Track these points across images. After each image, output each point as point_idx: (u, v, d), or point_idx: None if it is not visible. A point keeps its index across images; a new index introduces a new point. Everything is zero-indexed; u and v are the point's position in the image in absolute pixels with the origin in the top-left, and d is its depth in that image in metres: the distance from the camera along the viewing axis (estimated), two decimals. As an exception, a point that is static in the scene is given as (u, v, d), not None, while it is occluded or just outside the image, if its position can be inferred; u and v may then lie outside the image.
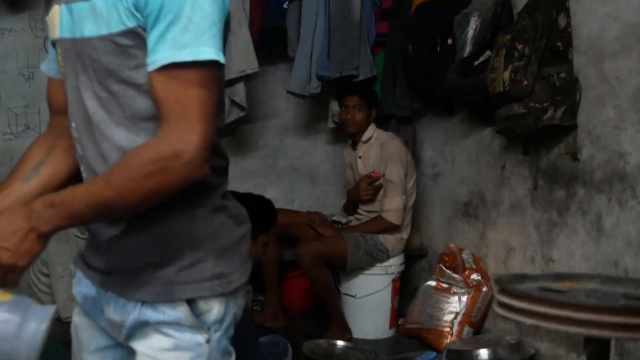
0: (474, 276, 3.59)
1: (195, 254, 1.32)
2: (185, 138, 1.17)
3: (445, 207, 4.15)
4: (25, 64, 4.10)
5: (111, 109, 1.29)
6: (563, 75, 3.01)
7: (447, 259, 3.70)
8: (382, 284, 3.76)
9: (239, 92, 3.71)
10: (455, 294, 3.57)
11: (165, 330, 1.30)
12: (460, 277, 3.57)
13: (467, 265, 3.62)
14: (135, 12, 1.22)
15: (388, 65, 4.01)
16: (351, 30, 3.83)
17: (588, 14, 2.97)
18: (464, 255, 3.65)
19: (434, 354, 3.39)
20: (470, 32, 3.47)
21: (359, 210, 3.91)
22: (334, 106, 4.17)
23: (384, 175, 3.74)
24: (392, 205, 3.68)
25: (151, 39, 1.20)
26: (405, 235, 3.83)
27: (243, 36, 3.61)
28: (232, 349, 1.39)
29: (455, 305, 3.54)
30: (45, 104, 1.58)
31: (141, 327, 1.33)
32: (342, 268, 3.71)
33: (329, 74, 3.83)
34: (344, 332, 3.62)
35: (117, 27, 1.24)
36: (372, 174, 3.76)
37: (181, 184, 1.20)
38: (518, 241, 3.45)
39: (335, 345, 3.27)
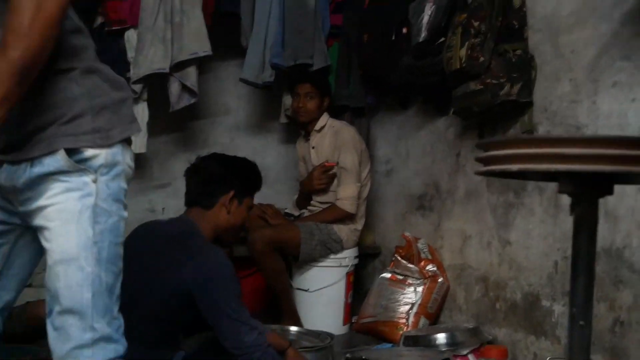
0: (430, 267, 3.50)
1: (73, 111, 1.49)
2: None
3: (399, 202, 4.08)
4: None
5: None
6: (519, 52, 2.99)
7: (401, 250, 3.61)
8: (336, 277, 3.63)
9: (191, 76, 3.59)
10: (410, 285, 3.47)
11: (55, 178, 1.48)
12: (415, 268, 3.47)
13: (422, 255, 3.53)
14: None
15: (342, 57, 3.96)
16: (306, 19, 3.77)
17: (543, -9, 2.98)
18: (420, 245, 3.56)
19: (389, 344, 3.27)
20: (425, 18, 3.44)
21: (312, 202, 3.80)
22: (287, 100, 4.09)
23: (337, 163, 3.65)
24: (346, 193, 3.59)
25: None
26: (359, 226, 3.73)
27: (196, 18, 3.51)
28: (125, 203, 1.57)
29: (410, 296, 3.44)
30: None
31: (33, 186, 1.49)
32: (294, 258, 3.57)
33: (282, 62, 3.75)
34: (296, 324, 3.47)
35: None
36: (326, 163, 3.67)
37: (60, 6, 1.38)
38: (474, 228, 3.38)
39: (288, 330, 3.12)
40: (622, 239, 2.56)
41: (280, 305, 3.53)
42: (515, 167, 0.89)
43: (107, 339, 1.51)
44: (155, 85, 3.73)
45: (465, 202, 3.47)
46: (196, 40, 3.52)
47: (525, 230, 3.04)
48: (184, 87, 3.62)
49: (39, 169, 1.47)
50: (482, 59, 2.96)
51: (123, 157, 1.56)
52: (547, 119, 2.95)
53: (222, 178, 2.34)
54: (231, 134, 4.52)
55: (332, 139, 3.69)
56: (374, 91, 3.99)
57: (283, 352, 2.36)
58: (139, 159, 4.25)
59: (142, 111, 3.62)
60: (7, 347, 1.95)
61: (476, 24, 3.00)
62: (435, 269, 3.50)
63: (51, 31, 1.38)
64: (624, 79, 2.56)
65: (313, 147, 3.78)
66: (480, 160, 0.99)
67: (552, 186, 2.89)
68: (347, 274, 3.70)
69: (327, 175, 3.66)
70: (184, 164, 4.36)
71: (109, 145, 1.52)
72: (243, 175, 2.41)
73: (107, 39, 3.53)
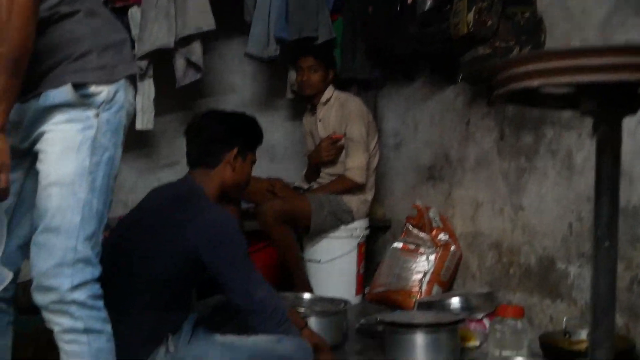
0: (442, 235, 3.48)
1: (80, 50, 1.60)
2: None
3: (408, 175, 4.06)
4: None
5: None
6: (527, 15, 2.97)
7: (413, 220, 3.59)
8: (347, 247, 3.63)
9: (195, 51, 3.57)
10: (422, 254, 3.46)
11: (60, 109, 1.58)
12: (427, 236, 3.46)
13: (434, 224, 3.52)
14: None
15: (347, 31, 3.94)
16: (309, -8, 3.75)
17: (551, -48, 2.94)
18: (431, 214, 3.54)
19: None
20: (431, -14, 3.42)
21: (321, 174, 3.78)
22: (292, 76, 4.06)
23: (345, 135, 3.63)
24: (355, 163, 3.57)
25: None
26: (369, 197, 3.71)
27: (199, -8, 3.50)
28: (123, 140, 1.68)
29: (423, 264, 3.43)
30: None
31: (38, 117, 1.60)
32: (305, 230, 3.56)
33: (287, 36, 3.73)
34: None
35: None
36: (333, 135, 3.65)
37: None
38: (486, 195, 3.37)
39: (302, 297, 3.11)
40: (638, 198, 2.54)
41: (292, 278, 3.52)
42: (535, 82, 0.87)
43: (86, 261, 1.61)
44: (161, 62, 3.72)
45: (476, 170, 3.45)
46: (200, 15, 3.50)
47: (538, 194, 3.02)
48: (189, 63, 3.60)
49: (44, 101, 1.59)
50: (490, 22, 2.94)
51: (125, 94, 1.66)
52: (557, 80, 2.92)
53: (225, 135, 2.31)
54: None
55: (338, 111, 3.67)
56: (380, 64, 3.96)
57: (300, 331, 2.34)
58: (146, 137, 4.26)
59: (148, 88, 3.61)
60: (21, 317, 1.94)
61: (483, -13, 2.98)
62: (447, 237, 3.48)
63: (30, 20, 1.46)
64: (637, 36, 2.53)
65: (320, 120, 3.76)
66: (498, 83, 0.97)
67: (565, 147, 2.88)
68: (359, 245, 3.69)
69: (335, 147, 3.64)
70: (191, 142, 4.43)
71: (113, 82, 1.63)
72: (245, 131, 2.38)
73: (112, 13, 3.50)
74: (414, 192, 3.97)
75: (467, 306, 2.95)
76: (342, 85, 3.96)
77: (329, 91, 3.73)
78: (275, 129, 4.54)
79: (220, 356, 2.11)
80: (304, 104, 3.98)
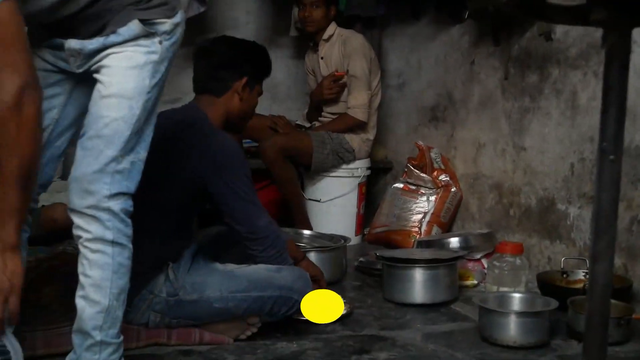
0: (443, 177, 3.47)
1: None
2: (10, 77, 1.41)
3: (411, 115, 4.03)
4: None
5: None
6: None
7: (414, 160, 3.58)
8: (348, 187, 3.62)
9: (198, -17, 3.50)
10: (423, 194, 3.45)
11: (128, 42, 1.67)
12: (428, 177, 3.45)
13: (435, 165, 3.50)
14: None
15: (352, -35, 3.85)
16: None
17: None
18: (432, 155, 3.53)
19: (402, 251, 3.27)
20: None
21: (323, 113, 3.75)
22: (296, 12, 3.99)
23: (347, 72, 3.58)
24: (357, 101, 3.54)
25: None
26: (371, 136, 3.69)
27: None
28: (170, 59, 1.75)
29: (423, 205, 3.43)
30: None
31: (106, 48, 1.67)
32: (306, 167, 3.55)
33: (291, -31, 3.65)
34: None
35: None
36: (336, 73, 3.61)
37: (38, 109, 1.48)
38: (488, 136, 3.34)
39: (302, 233, 3.12)
40: (641, 137, 2.52)
41: (292, 214, 3.52)
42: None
43: (125, 174, 1.69)
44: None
45: (479, 111, 3.41)
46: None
47: (541, 135, 3.00)
48: (193, -5, 3.53)
49: (114, 38, 1.66)
50: (499, -44, 2.86)
51: (182, 28, 1.76)
52: (565, 18, 2.86)
53: (235, 63, 2.27)
54: (240, 49, 4.44)
55: (340, 48, 3.62)
56: (385, 1, 3.88)
57: (297, 262, 2.34)
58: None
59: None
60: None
61: None
62: (448, 178, 3.47)
63: (37, 132, 1.50)
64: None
65: (322, 58, 3.71)
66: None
67: (570, 87, 2.84)
68: (359, 185, 3.68)
69: (337, 85, 3.60)
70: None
71: (173, 16, 1.72)
72: (255, 60, 2.35)
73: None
74: (416, 133, 3.94)
75: (466, 246, 2.95)
76: (346, 22, 3.89)
77: (332, 28, 3.67)
78: (278, 67, 4.45)
79: (220, 284, 2.11)
80: (307, 41, 3.93)
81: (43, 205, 2.87)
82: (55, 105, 1.77)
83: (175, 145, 2.11)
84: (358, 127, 3.59)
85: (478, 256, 2.98)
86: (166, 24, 1.71)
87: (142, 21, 1.67)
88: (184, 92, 4.24)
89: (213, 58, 2.29)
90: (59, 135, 1.80)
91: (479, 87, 3.41)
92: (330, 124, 3.62)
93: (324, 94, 3.62)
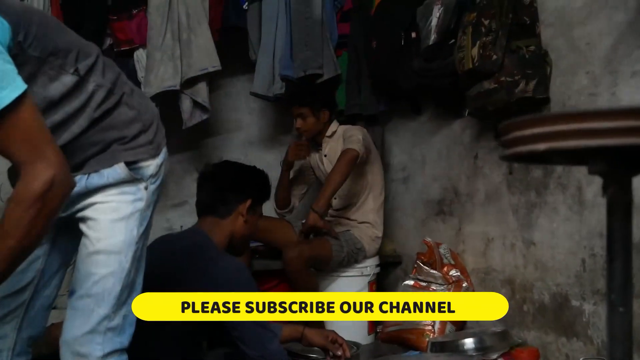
0: (453, 272, 3.43)
1: (131, 131, 1.66)
2: (44, 169, 1.36)
3: (417, 209, 4.02)
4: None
5: None
6: (532, 48, 2.94)
7: (423, 256, 3.55)
8: (358, 286, 3.58)
9: (202, 92, 3.57)
10: (434, 291, 3.40)
11: (112, 186, 1.63)
12: (438, 273, 3.41)
13: (445, 261, 3.47)
14: None
15: (352, 66, 3.93)
16: (313, 29, 3.75)
17: (552, -14, 2.93)
18: (441, 250, 3.50)
19: (416, 352, 3.20)
20: (434, 21, 3.41)
21: (330, 211, 3.73)
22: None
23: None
24: (352, 139, 3.48)
25: None
26: (379, 233, 3.68)
27: (203, 34, 3.50)
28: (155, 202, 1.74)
29: (435, 302, 3.37)
30: None
31: (87, 193, 1.62)
32: (322, 270, 3.54)
33: (292, 74, 3.73)
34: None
35: None
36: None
37: (63, 201, 1.42)
38: (496, 230, 3.32)
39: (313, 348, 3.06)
40: (651, 232, 2.49)
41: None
42: (542, 146, 0.84)
43: (118, 330, 1.64)
44: (167, 103, 3.72)
45: (485, 205, 3.40)
46: (205, 55, 3.50)
47: (550, 230, 2.98)
48: (196, 104, 3.60)
49: (97, 180, 1.64)
50: (494, 57, 2.91)
51: (165, 159, 1.75)
52: (565, 114, 2.89)
53: (240, 186, 2.31)
54: (245, 149, 4.49)
55: (340, 142, 3.64)
56: (385, 98, 3.94)
57: (301, 336, 2.35)
58: (153, 179, 4.24)
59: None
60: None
61: (486, 22, 2.96)
62: (458, 273, 3.43)
63: (50, 222, 1.44)
64: (643, 67, 2.50)
65: (325, 156, 3.73)
66: (504, 143, 0.94)
67: (575, 182, 2.83)
68: (369, 283, 3.65)
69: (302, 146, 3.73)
70: (199, 182, 4.42)
71: (157, 155, 1.71)
72: (258, 184, 2.38)
73: (116, 60, 3.51)
74: (424, 227, 3.92)
75: (481, 346, 2.88)
76: (348, 120, 3.94)
77: (334, 125, 3.72)
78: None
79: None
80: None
81: (52, 324, 2.85)
82: (39, 255, 1.72)
83: (184, 272, 2.11)
84: (356, 160, 3.43)
85: (494, 356, 2.90)
86: (151, 167, 1.68)
87: (127, 164, 1.64)
88: (190, 195, 4.29)
89: (218, 181, 2.32)
90: (45, 285, 1.76)
91: (484, 181, 3.42)
92: (334, 172, 3.41)
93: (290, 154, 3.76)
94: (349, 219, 3.70)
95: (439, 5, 3.42)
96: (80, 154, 1.63)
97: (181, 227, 4.27)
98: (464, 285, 3.41)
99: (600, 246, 2.72)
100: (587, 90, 2.77)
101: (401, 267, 4.16)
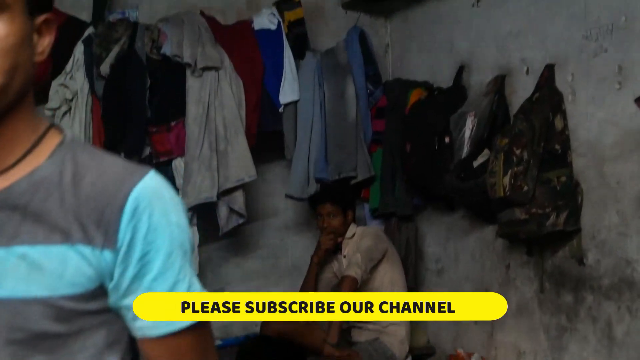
0: (485, 382, 3.47)
1: None
2: None
3: (451, 304, 4.04)
4: None
5: None
6: (563, 179, 2.97)
7: (455, 363, 3.59)
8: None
9: (238, 200, 3.65)
10: (465, 400, 3.45)
11: None
12: (470, 384, 3.45)
13: (476, 370, 3.51)
14: None
15: (386, 163, 3.97)
16: (348, 131, 3.82)
17: (585, 118, 2.95)
18: (473, 360, 3.54)
19: None
20: (467, 132, 3.45)
21: (348, 337, 3.77)
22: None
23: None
24: (351, 262, 3.56)
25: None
26: (405, 333, 3.69)
27: (240, 144, 3.58)
28: None
29: (466, 413, 3.41)
30: None
31: None
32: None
33: (327, 176, 3.80)
34: None
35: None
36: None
37: None
38: (528, 345, 3.34)
39: None
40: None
41: None
42: None
43: None
44: (205, 204, 3.80)
45: (517, 317, 3.43)
46: (241, 165, 3.58)
47: (581, 357, 3.00)
48: (232, 210, 3.68)
49: None
50: (525, 188, 2.94)
51: None
52: (595, 247, 2.91)
53: None
54: (281, 233, 4.56)
55: (358, 241, 3.69)
56: (419, 195, 3.98)
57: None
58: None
59: (193, 236, 3.69)
60: None
61: (518, 151, 2.99)
62: (490, 383, 3.47)
63: None
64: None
65: (344, 257, 3.76)
66: None
67: (604, 317, 2.86)
68: (402, 384, 3.69)
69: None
70: (236, 268, 4.51)
71: None
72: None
73: (156, 168, 3.60)
74: (456, 324, 3.95)
75: None
76: (383, 217, 3.99)
77: (352, 228, 3.76)
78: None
79: None
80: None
81: None
82: None
83: None
84: (355, 285, 3.50)
85: None
86: None
87: None
88: (227, 282, 4.42)
89: None
90: None
91: (515, 292, 3.44)
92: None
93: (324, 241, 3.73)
94: (373, 322, 3.72)
95: (473, 117, 3.46)
96: None
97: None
98: (495, 395, 3.44)
99: (629, 387, 2.74)
100: (618, 228, 2.80)
101: (434, 358, 4.19)
